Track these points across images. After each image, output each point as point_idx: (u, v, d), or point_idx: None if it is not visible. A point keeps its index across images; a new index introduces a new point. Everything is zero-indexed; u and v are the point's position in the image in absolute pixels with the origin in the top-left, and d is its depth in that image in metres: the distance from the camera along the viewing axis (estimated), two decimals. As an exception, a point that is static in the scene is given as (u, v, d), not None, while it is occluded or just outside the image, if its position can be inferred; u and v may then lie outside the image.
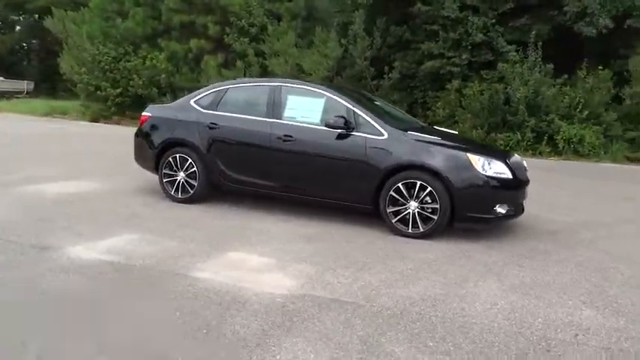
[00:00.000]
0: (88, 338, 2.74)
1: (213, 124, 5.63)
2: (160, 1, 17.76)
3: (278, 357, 2.63)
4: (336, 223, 5.26)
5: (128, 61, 17.21)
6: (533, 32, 12.85)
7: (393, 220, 4.90)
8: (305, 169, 5.24)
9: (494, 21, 13.59)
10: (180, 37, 17.72)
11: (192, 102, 5.92)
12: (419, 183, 4.75)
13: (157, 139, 5.94)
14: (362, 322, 3.07)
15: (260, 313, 3.14)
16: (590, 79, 12.41)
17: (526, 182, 5.07)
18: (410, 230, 4.83)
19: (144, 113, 6.22)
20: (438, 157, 4.77)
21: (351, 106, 5.18)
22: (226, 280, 3.63)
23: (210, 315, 3.08)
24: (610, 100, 12.71)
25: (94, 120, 17.29)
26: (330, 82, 15.33)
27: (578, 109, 12.37)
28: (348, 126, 5.02)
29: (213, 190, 5.87)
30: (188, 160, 5.74)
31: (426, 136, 5.11)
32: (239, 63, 16.49)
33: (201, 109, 5.79)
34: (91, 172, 7.46)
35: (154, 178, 6.70)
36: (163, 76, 16.81)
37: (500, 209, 4.77)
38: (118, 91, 17.12)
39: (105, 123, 16.99)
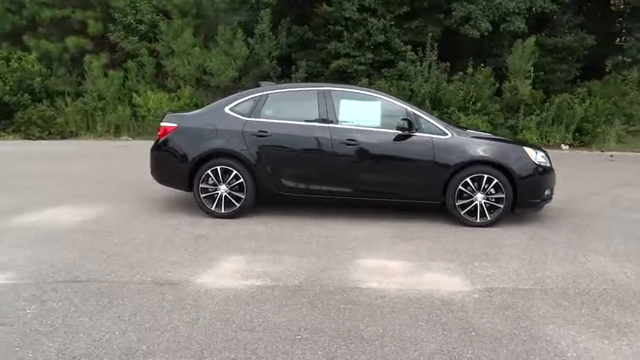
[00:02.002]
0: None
1: (263, 131, 5.36)
2: (21, -7, 15.33)
3: (572, 345, 2.86)
4: (403, 222, 5.44)
5: (-16, 63, 14.57)
6: (430, 34, 14.26)
7: (462, 213, 5.29)
8: (374, 172, 5.33)
9: (393, 23, 14.70)
10: (51, 35, 15.54)
11: (227, 109, 5.52)
12: (486, 176, 5.21)
13: (192, 151, 5.41)
14: (569, 303, 3.43)
15: (489, 309, 3.31)
16: (480, 76, 14.22)
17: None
18: (478, 220, 5.28)
19: (165, 124, 5.58)
20: (501, 152, 5.31)
21: (410, 109, 5.41)
22: (401, 287, 3.67)
23: (454, 319, 3.15)
24: (493, 94, 14.72)
25: (-54, 134, 14.30)
26: (237, 82, 15.04)
27: (471, 102, 14.10)
28: (411, 127, 5.25)
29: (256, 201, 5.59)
30: (232, 171, 5.36)
31: (481, 133, 5.60)
32: (130, 63, 15.15)
33: (242, 117, 5.45)
34: (58, 197, 6.42)
35: (143, 194, 6.53)
36: (38, 79, 14.57)
37: (547, 193, 5.48)
38: (-25, 98, 14.39)
39: (-39, 137, 14.18)
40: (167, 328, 2.97)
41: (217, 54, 14.86)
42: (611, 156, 12.61)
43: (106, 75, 15.24)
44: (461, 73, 14.35)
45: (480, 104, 14.10)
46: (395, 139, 5.29)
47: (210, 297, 3.43)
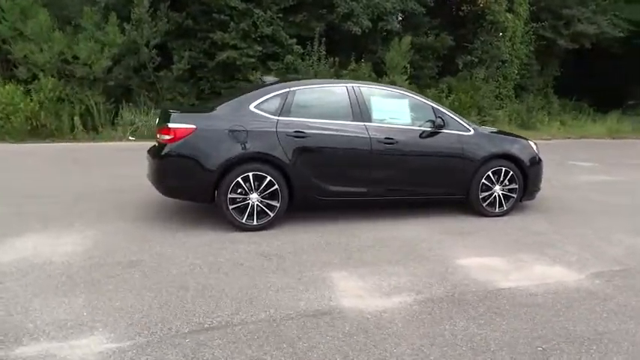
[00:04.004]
0: None
1: (300, 132, 4.86)
2: None
3: None
4: (430, 218, 5.48)
5: None
6: (317, 28, 14.42)
7: (484, 205, 5.57)
8: (411, 170, 5.26)
9: (280, 15, 14.46)
10: None
11: (252, 108, 4.86)
12: (504, 169, 5.57)
13: (218, 156, 4.64)
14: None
15: (628, 294, 3.59)
16: (366, 70, 14.89)
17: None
18: (497, 210, 5.62)
19: (179, 125, 4.64)
20: (515, 146, 5.72)
21: (436, 106, 5.47)
22: (532, 283, 3.77)
23: (618, 306, 3.37)
24: (374, 88, 15.56)
25: None
26: (109, 72, 13.18)
27: (358, 96, 14.69)
28: (442, 124, 5.34)
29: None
30: (266, 177, 4.77)
31: (491, 128, 5.92)
32: (-37, 47, 12.17)
33: (272, 116, 4.87)
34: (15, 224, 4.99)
35: (104, 206, 5.61)
36: None
37: (541, 183, 6.08)
38: None
39: None
40: (406, 365, 2.58)
41: (84, 39, 12.80)
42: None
43: None
44: (350, 68, 14.84)
45: (365, 98, 14.78)
46: (425, 136, 5.31)
47: (388, 320, 3.07)
